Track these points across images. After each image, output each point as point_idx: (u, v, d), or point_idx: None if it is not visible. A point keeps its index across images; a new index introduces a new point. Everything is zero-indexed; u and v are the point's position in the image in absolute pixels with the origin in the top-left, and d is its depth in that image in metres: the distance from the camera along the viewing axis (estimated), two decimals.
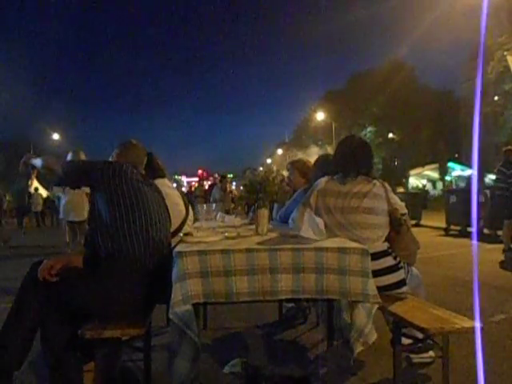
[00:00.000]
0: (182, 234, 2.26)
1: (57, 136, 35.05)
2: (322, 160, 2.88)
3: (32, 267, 1.83)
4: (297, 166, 3.28)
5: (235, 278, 1.63)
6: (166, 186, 2.48)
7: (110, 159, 2.23)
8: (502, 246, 6.42)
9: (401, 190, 14.49)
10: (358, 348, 1.69)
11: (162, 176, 2.65)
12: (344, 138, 2.61)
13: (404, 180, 33.93)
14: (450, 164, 34.06)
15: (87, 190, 2.15)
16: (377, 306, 1.73)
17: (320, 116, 36.09)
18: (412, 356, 2.27)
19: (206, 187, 11.73)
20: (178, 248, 1.70)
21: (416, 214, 11.71)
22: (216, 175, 13.23)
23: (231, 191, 11.43)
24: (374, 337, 1.72)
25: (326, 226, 2.24)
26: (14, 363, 1.76)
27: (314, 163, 2.97)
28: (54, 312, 1.77)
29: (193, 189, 15.53)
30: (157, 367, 2.02)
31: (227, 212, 5.88)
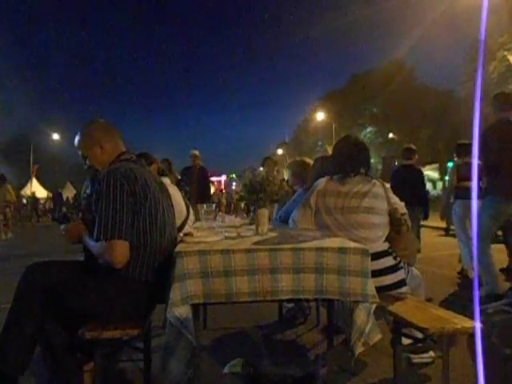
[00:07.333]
0: (182, 234, 2.26)
1: (57, 136, 35.02)
2: (321, 161, 2.88)
3: (27, 270, 1.80)
4: (296, 167, 3.29)
5: (235, 278, 1.62)
6: (168, 184, 2.48)
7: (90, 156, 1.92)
8: (502, 246, 6.40)
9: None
10: (359, 348, 1.69)
11: (164, 175, 2.66)
12: (341, 138, 2.62)
13: None
14: (450, 164, 33.96)
15: None
16: (375, 305, 1.73)
17: (320, 116, 36.08)
18: (412, 356, 2.27)
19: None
20: (178, 248, 1.69)
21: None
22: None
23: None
24: (377, 337, 1.71)
25: (326, 226, 2.25)
26: (18, 368, 1.72)
27: (313, 165, 2.98)
28: (52, 314, 1.75)
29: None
30: (157, 367, 2.01)
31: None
